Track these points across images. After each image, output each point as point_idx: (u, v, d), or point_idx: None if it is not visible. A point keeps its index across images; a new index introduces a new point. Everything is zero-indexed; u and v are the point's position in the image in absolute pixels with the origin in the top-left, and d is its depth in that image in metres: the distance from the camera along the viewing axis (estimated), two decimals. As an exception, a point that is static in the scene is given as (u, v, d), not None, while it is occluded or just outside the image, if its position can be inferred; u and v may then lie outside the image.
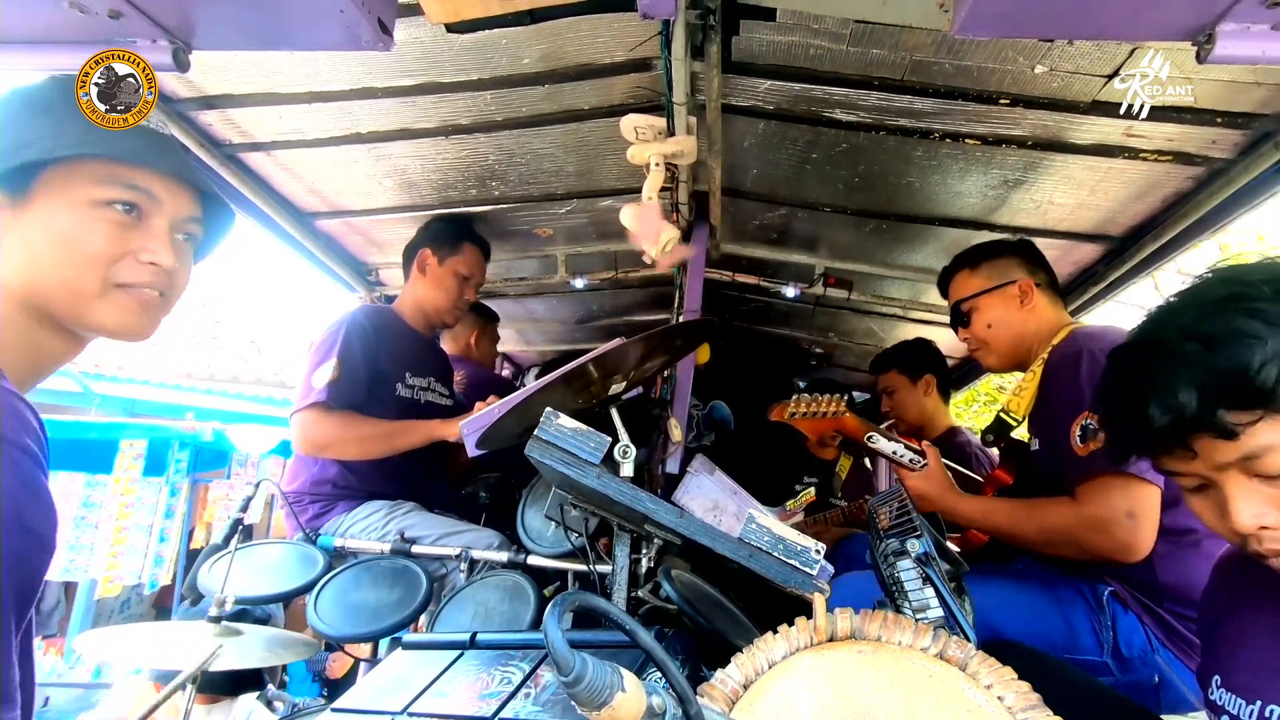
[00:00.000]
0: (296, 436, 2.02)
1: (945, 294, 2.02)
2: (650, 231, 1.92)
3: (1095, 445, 1.46)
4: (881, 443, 1.85)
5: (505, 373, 4.28)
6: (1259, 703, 0.84)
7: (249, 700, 2.42)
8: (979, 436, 2.66)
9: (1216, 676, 0.93)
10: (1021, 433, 1.85)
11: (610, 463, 1.20)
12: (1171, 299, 0.89)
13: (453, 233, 2.40)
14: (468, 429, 1.69)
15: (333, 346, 2.06)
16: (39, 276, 0.83)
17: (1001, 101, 1.66)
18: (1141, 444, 0.87)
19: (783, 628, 0.92)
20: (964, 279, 1.92)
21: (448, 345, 2.90)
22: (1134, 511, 1.42)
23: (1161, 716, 1.34)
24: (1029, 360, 1.80)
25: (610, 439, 1.17)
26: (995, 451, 2.16)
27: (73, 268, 0.84)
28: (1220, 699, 0.91)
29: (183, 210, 0.94)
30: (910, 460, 1.84)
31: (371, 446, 2.06)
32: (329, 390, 1.98)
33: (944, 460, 1.95)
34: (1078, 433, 1.50)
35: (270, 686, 2.74)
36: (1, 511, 0.65)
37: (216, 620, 1.53)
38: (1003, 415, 1.82)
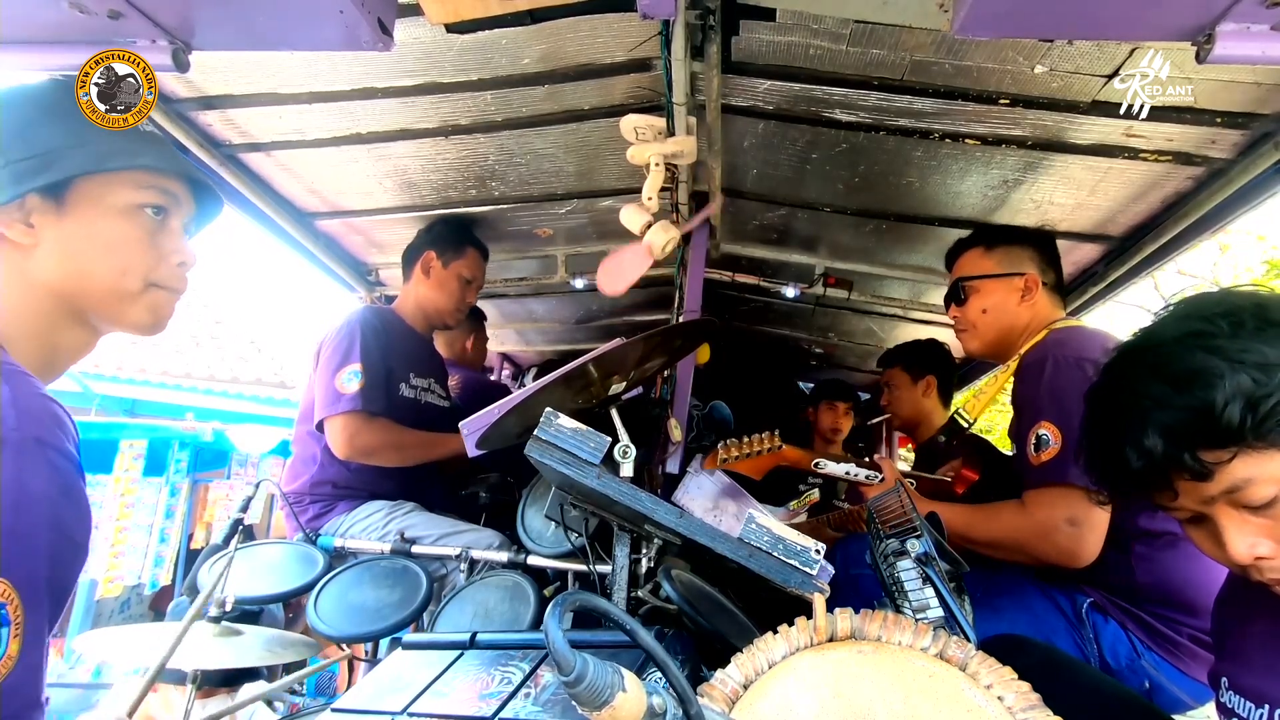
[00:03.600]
0: (338, 441, 2.03)
1: (950, 264, 1.98)
2: (626, 271, 1.89)
3: (1048, 455, 1.47)
4: (830, 467, 1.85)
5: (505, 373, 4.28)
6: (1267, 707, 0.85)
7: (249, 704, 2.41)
8: (934, 438, 2.66)
9: (1225, 679, 0.94)
10: (979, 429, 1.85)
11: (610, 463, 1.20)
12: (1135, 336, 0.90)
13: (456, 236, 2.43)
14: (467, 429, 1.69)
15: (351, 348, 2.08)
16: (85, 279, 0.88)
17: (1001, 101, 1.66)
18: (1124, 485, 0.88)
19: (783, 628, 0.92)
20: (976, 257, 1.89)
21: (440, 348, 2.91)
22: (1076, 519, 1.43)
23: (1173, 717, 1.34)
24: (1009, 355, 1.79)
25: (610, 439, 1.17)
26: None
27: (120, 271, 0.90)
28: (1230, 701, 0.92)
29: (190, 208, 1.00)
30: (867, 477, 1.84)
31: (412, 455, 2.13)
32: (362, 396, 2.02)
33: (908, 469, 1.96)
34: (1033, 441, 1.50)
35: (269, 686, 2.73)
36: (42, 515, 0.67)
37: (216, 620, 1.53)
38: (957, 415, 1.83)
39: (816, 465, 1.85)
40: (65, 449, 0.71)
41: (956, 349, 2.88)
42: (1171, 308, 0.88)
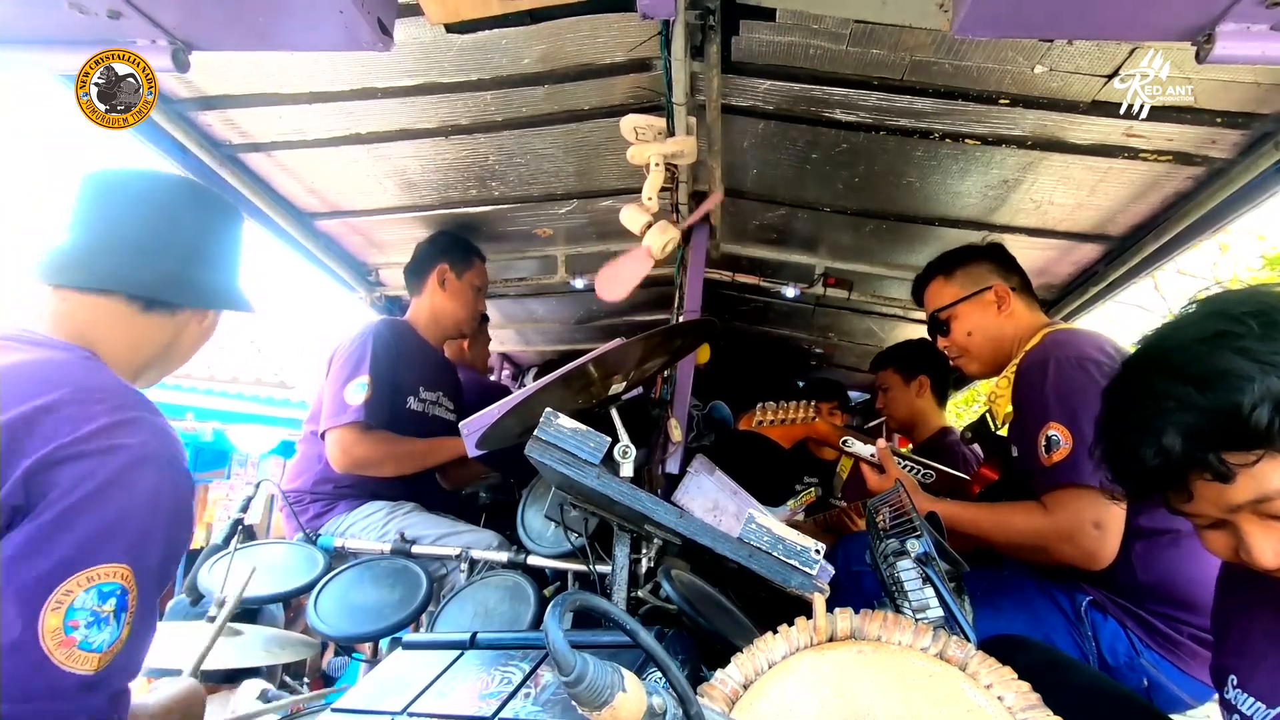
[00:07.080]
0: (335, 453, 2.05)
1: (920, 303, 2.00)
2: (625, 277, 1.89)
3: (1060, 456, 1.46)
4: (857, 447, 1.86)
5: (505, 373, 4.29)
6: (1278, 708, 0.83)
7: (250, 700, 2.41)
8: (961, 434, 2.67)
9: (1233, 676, 0.92)
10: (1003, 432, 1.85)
11: (610, 463, 1.20)
12: (1157, 333, 0.87)
13: (463, 247, 2.46)
14: (467, 429, 1.69)
15: (362, 361, 2.09)
16: (190, 354, 1.22)
17: (1001, 101, 1.66)
18: (1139, 484, 0.86)
19: (783, 628, 0.92)
20: (939, 287, 1.91)
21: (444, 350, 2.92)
22: (1101, 522, 1.43)
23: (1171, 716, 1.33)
24: (1008, 364, 1.80)
25: (610, 439, 1.17)
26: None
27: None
28: (1235, 699, 0.89)
29: None
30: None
31: (408, 464, 2.14)
32: (365, 409, 2.03)
33: (934, 463, 1.96)
34: (1043, 443, 1.50)
35: (270, 687, 2.73)
36: (164, 521, 0.86)
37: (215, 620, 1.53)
38: (987, 416, 1.83)
39: (844, 443, 1.86)
40: (187, 471, 0.92)
41: None
42: (1195, 305, 0.84)
